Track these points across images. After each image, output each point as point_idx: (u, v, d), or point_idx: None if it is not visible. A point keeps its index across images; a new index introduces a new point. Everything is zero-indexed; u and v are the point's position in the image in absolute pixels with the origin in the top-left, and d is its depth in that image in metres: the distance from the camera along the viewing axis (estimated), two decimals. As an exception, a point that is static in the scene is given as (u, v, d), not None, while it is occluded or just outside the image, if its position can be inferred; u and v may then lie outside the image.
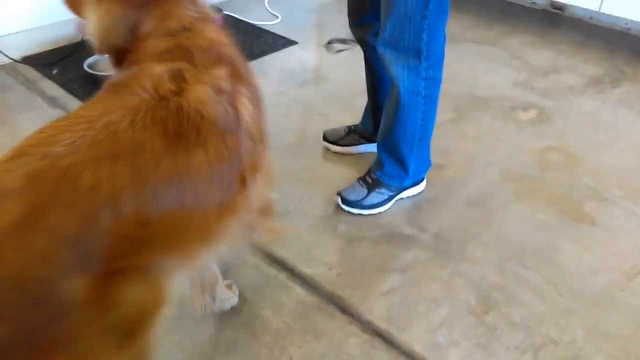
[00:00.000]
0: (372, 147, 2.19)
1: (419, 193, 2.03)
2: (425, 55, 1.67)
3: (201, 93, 1.04)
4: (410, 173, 1.93)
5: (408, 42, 1.64)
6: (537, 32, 3.31)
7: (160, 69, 1.06)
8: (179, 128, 0.98)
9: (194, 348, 1.49)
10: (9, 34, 2.77)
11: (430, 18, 1.60)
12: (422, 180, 2.03)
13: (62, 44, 2.97)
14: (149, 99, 1.00)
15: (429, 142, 1.93)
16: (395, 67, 1.71)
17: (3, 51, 2.74)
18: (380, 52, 1.71)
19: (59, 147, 0.88)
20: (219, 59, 1.14)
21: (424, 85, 1.73)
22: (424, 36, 1.63)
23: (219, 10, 3.38)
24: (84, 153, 0.89)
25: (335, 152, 2.25)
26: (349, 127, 2.27)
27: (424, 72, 1.71)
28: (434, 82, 1.76)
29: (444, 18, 1.66)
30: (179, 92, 1.02)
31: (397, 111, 1.79)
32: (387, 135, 1.88)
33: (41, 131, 0.93)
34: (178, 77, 1.04)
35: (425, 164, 1.99)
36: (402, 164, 1.90)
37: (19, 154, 0.88)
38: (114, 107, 0.97)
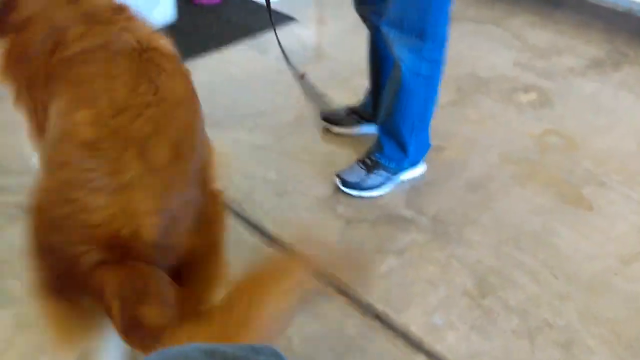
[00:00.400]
0: (372, 128, 2.18)
1: (419, 175, 2.03)
2: (429, 37, 1.66)
3: None
4: (410, 155, 1.92)
5: (412, 22, 1.63)
6: (539, 12, 3.27)
7: None
8: None
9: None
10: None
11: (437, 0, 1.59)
12: (420, 163, 2.02)
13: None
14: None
15: (429, 124, 1.92)
16: (399, 48, 1.70)
17: None
18: (385, 32, 1.70)
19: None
20: None
21: (426, 66, 1.72)
22: (430, 17, 1.62)
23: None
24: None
25: (335, 133, 2.24)
26: (349, 107, 2.25)
27: (427, 54, 1.70)
28: (436, 63, 1.75)
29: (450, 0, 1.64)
30: None
31: (398, 93, 1.79)
32: (388, 117, 1.87)
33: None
34: None
35: (425, 146, 1.99)
36: (401, 146, 1.90)
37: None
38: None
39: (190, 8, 3.19)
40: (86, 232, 0.90)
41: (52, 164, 1.03)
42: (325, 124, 2.25)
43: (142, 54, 1.14)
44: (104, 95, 1.05)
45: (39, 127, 1.27)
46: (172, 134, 1.04)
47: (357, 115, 2.23)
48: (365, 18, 1.95)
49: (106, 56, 1.15)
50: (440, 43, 1.71)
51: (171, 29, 2.96)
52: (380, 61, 2.02)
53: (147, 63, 1.13)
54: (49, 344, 1.13)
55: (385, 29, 1.69)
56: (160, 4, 2.90)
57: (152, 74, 1.10)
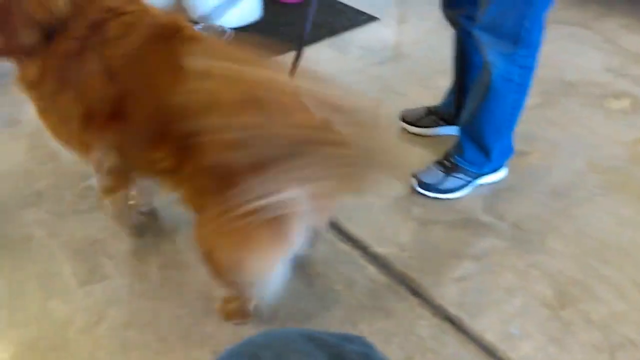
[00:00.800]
0: (451, 130, 2.15)
1: (499, 180, 1.99)
2: (524, 43, 1.61)
3: None
4: (492, 160, 1.89)
5: (508, 28, 1.58)
6: (633, 14, 3.10)
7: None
8: None
9: (268, 315, 1.55)
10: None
11: (535, 5, 1.54)
12: (502, 167, 1.98)
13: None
14: None
15: (513, 129, 1.87)
16: (491, 53, 1.66)
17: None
18: (477, 35, 1.66)
19: None
20: None
21: (518, 72, 1.67)
22: (526, 23, 1.57)
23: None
24: None
25: (413, 133, 2.23)
26: (428, 108, 2.24)
27: (520, 60, 1.65)
28: (528, 70, 1.69)
29: (548, 5, 1.58)
30: None
31: (486, 97, 1.75)
32: (472, 120, 1.84)
33: None
34: None
35: (508, 151, 1.94)
36: (484, 150, 1.86)
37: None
38: None
39: (274, 6, 3.27)
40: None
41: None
42: (402, 123, 2.24)
43: None
44: None
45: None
46: None
47: (435, 116, 2.20)
48: (453, 21, 1.93)
49: None
50: (533, 49, 1.66)
51: (256, 26, 3.07)
52: (467, 64, 1.98)
53: None
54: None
55: (477, 33, 1.66)
56: (246, 2, 2.99)
57: None
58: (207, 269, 1.32)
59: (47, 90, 1.31)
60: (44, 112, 1.38)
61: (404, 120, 2.24)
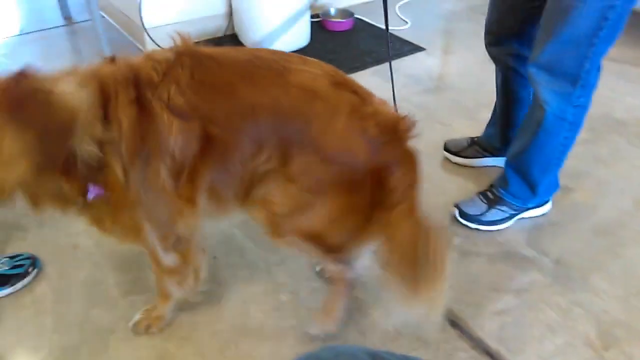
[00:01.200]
0: (494, 162, 2.15)
1: (543, 214, 1.96)
2: (582, 83, 1.58)
3: None
4: (538, 195, 1.87)
5: (568, 68, 1.56)
6: (689, 54, 3.04)
7: None
8: None
9: (304, 336, 1.55)
10: (165, 25, 3.03)
11: (598, 45, 1.51)
12: (546, 202, 1.95)
13: (211, 36, 3.19)
14: None
15: (561, 165, 1.84)
16: (546, 92, 1.63)
17: (157, 41, 3.00)
18: (532, 73, 1.63)
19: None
20: None
21: (572, 112, 1.64)
22: (586, 64, 1.54)
23: (350, 13, 3.46)
24: None
25: (455, 163, 2.23)
26: (472, 138, 2.23)
27: (575, 100, 1.62)
28: (583, 109, 1.66)
29: (609, 46, 1.54)
30: None
31: (537, 134, 1.72)
32: (520, 155, 1.82)
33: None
34: None
35: (553, 186, 1.91)
36: (530, 185, 1.84)
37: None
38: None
39: (322, 33, 3.35)
40: None
41: None
42: (445, 153, 2.25)
43: None
44: None
45: None
46: None
47: (479, 146, 2.20)
48: (497, 59, 1.93)
49: None
50: (590, 89, 1.63)
51: (303, 51, 3.14)
52: (513, 101, 1.98)
53: None
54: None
55: (532, 71, 1.63)
56: (297, 28, 3.07)
57: None
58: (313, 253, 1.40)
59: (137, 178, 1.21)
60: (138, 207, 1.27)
61: (447, 150, 2.24)
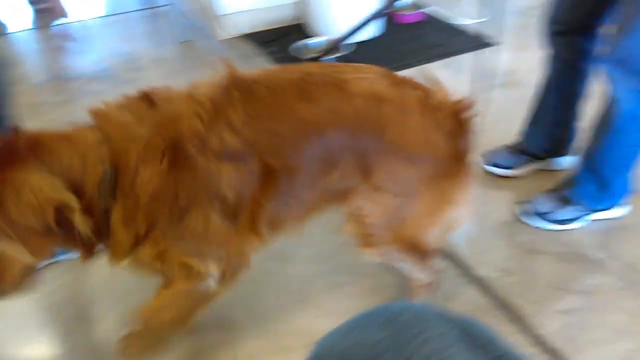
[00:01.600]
0: (564, 162, 2.09)
1: (615, 218, 1.89)
2: None
3: None
4: (609, 196, 1.81)
5: None
6: None
7: None
8: None
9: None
10: (237, 12, 3.11)
11: None
12: (619, 205, 1.88)
13: (280, 24, 3.26)
14: None
15: (632, 167, 1.78)
16: (621, 88, 1.58)
17: (229, 28, 3.09)
18: (607, 69, 1.58)
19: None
20: None
21: None
22: None
23: (419, 6, 3.44)
24: None
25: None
26: (515, 146, 2.16)
27: None
28: None
29: None
30: None
31: (609, 133, 1.67)
32: (591, 155, 1.77)
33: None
34: None
35: (625, 189, 1.84)
36: (601, 185, 1.79)
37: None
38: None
39: (393, 25, 3.35)
40: None
41: None
42: (494, 169, 2.18)
43: None
44: None
45: None
46: None
47: (523, 153, 2.13)
48: (558, 51, 1.87)
49: None
50: None
51: (376, 42, 3.15)
52: (568, 98, 1.93)
53: None
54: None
55: (608, 66, 1.58)
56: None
57: None
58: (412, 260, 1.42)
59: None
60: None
61: (495, 166, 2.17)
